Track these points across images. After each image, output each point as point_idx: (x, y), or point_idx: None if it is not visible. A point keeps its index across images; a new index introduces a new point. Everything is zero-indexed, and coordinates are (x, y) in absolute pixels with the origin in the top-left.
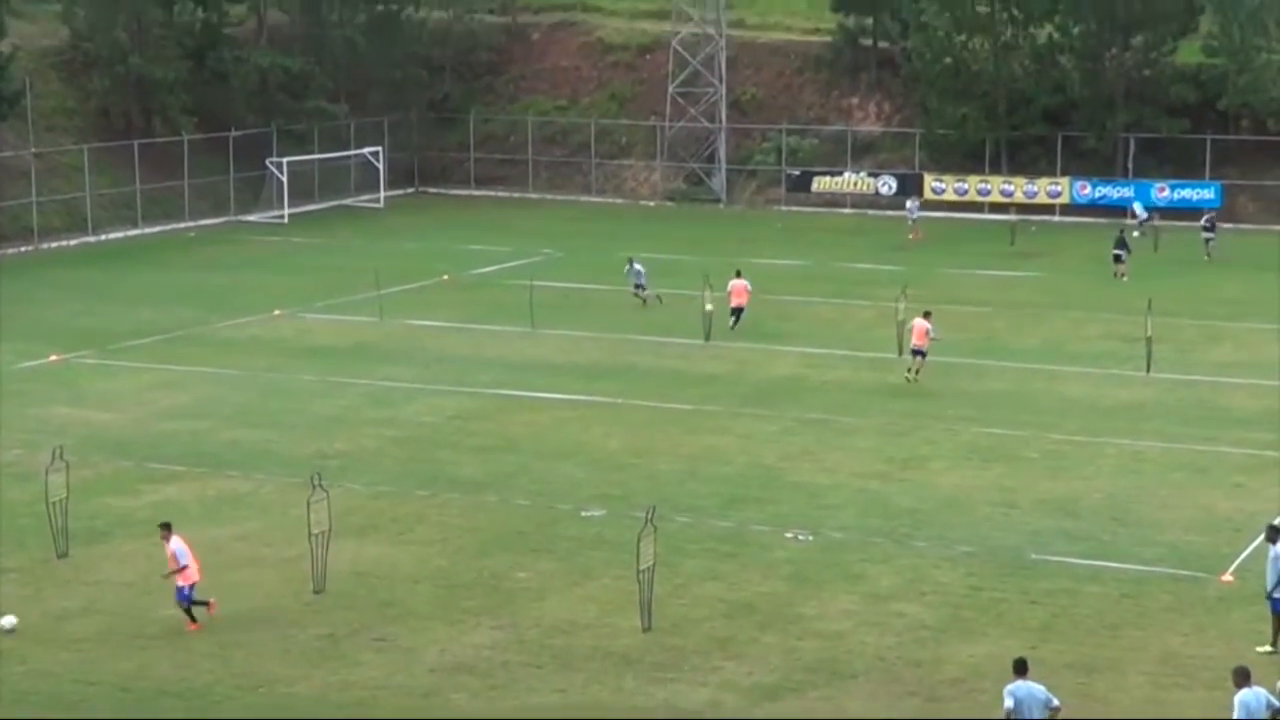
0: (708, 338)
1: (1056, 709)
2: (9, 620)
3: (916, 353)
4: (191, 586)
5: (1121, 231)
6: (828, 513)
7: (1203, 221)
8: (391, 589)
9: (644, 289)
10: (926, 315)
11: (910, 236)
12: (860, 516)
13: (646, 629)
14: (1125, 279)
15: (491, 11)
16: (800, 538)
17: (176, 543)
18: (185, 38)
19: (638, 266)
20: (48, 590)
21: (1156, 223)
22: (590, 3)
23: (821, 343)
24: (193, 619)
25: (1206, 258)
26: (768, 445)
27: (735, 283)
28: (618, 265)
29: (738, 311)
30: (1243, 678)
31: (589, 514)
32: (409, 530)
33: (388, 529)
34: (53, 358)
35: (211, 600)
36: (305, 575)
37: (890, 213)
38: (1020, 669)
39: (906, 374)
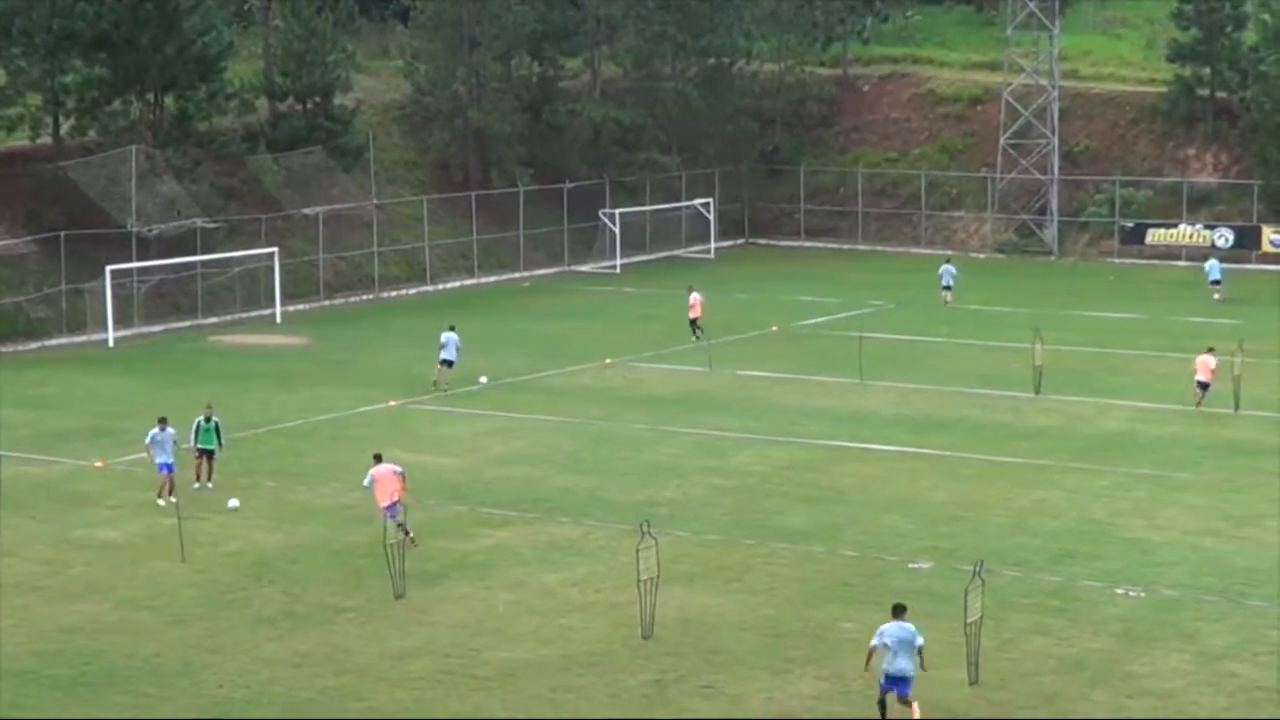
0: (1038, 391)
1: (921, 647)
2: (233, 502)
3: (1201, 385)
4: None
5: None
6: (1159, 569)
7: None
8: (718, 636)
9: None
10: (1210, 351)
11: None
12: (1193, 574)
13: (973, 683)
14: None
15: (823, 64)
16: (1131, 594)
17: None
18: (522, 92)
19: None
20: (385, 630)
21: None
22: (921, 55)
23: (1154, 397)
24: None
25: None
26: (1098, 500)
27: (694, 297)
28: (947, 317)
29: (694, 323)
30: (898, 611)
31: (916, 566)
32: (736, 579)
33: (715, 577)
34: (391, 403)
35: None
36: (634, 621)
37: (1227, 265)
38: (898, 612)
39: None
